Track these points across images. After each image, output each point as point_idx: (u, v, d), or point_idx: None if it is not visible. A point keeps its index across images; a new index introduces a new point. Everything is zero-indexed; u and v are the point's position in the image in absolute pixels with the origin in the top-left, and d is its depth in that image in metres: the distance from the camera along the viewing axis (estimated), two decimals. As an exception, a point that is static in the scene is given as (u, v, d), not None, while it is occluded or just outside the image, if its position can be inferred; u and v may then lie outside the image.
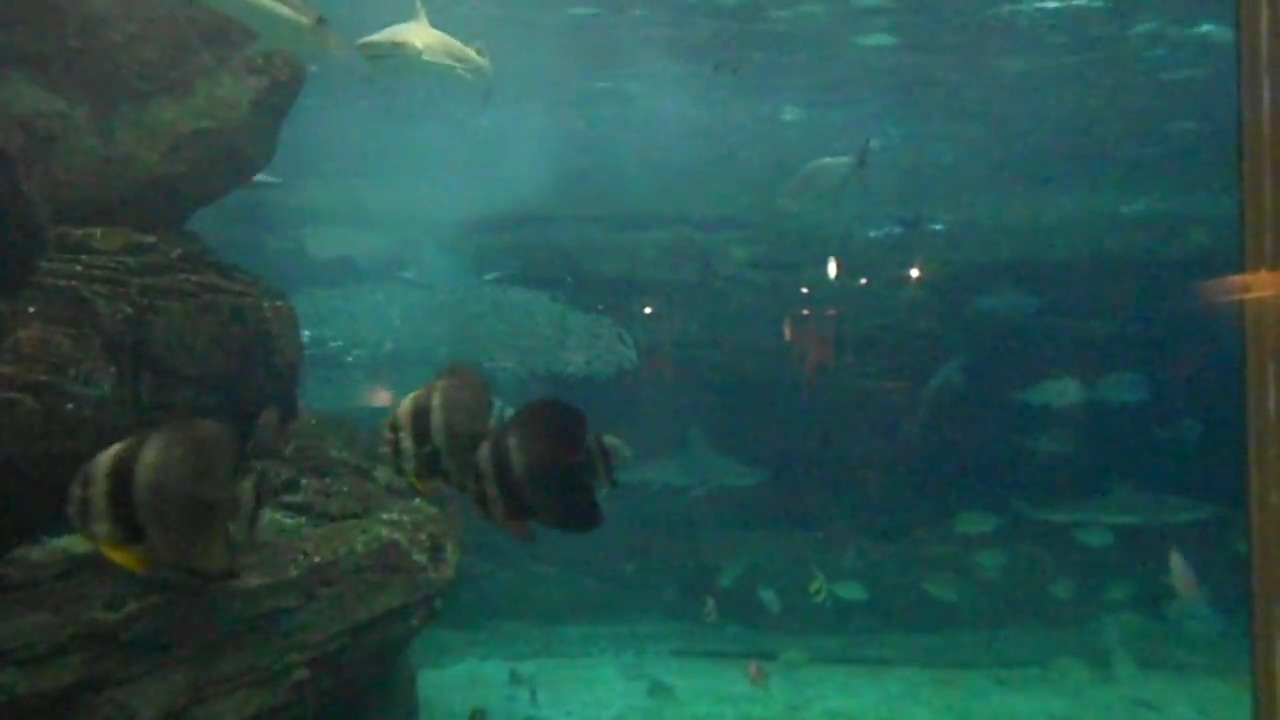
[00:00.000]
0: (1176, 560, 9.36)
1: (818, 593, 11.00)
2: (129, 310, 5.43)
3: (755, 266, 15.74)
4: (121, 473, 3.63)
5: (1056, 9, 10.82)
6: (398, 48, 6.50)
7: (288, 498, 6.55)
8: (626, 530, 13.57)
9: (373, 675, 6.84)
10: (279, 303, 6.85)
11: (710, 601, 11.55)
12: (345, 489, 6.99)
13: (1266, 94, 2.36)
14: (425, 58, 6.58)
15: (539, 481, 3.74)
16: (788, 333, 15.63)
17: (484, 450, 3.76)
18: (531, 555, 13.40)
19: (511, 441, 3.71)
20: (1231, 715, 10.14)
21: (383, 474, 7.72)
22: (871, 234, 15.76)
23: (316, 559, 6.02)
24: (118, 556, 3.78)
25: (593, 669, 11.55)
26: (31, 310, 5.04)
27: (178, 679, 5.19)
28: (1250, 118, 2.39)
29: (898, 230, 15.57)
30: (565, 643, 12.40)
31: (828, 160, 9.96)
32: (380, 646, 6.55)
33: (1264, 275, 2.41)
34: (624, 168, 14.56)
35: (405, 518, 7.04)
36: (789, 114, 14.07)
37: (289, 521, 6.29)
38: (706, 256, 15.84)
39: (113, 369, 5.19)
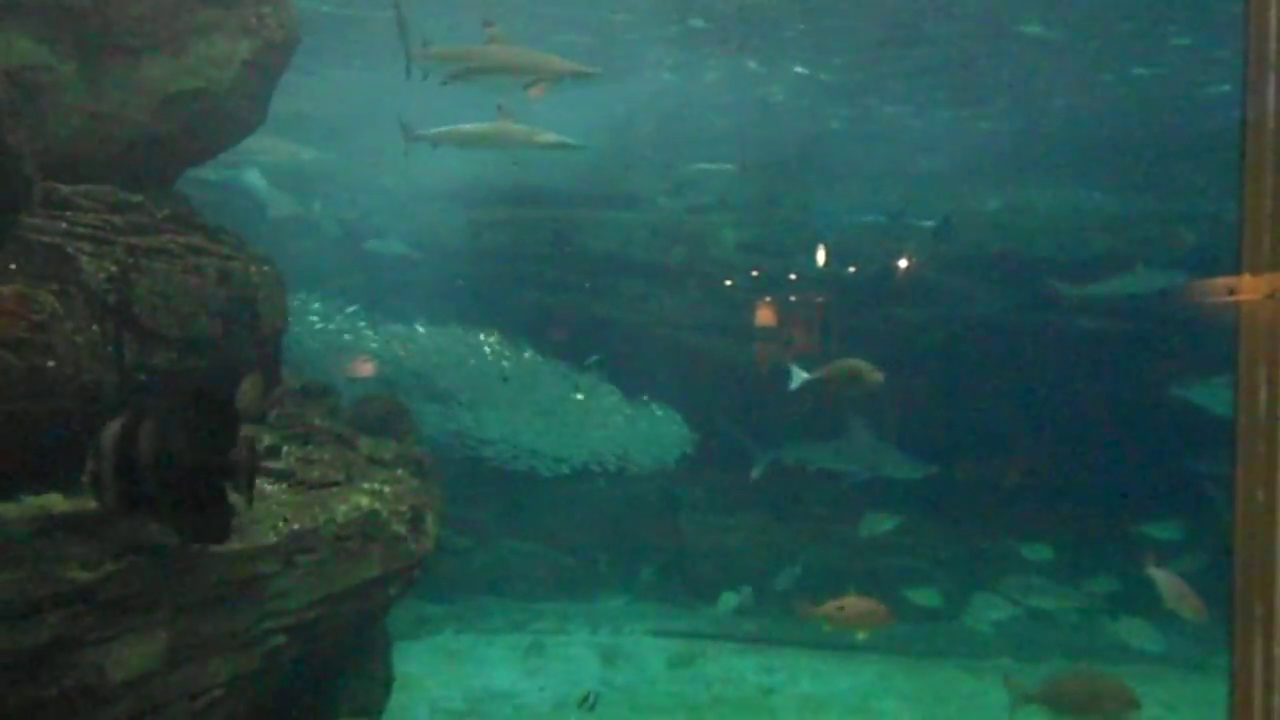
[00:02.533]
0: (1160, 576, 8.37)
1: (840, 609, 11.09)
2: (113, 269, 5.36)
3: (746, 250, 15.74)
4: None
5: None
6: None
7: (269, 464, 6.50)
8: (606, 511, 13.62)
9: (349, 645, 6.85)
10: (266, 267, 6.79)
11: (746, 590, 11.68)
12: (327, 457, 6.95)
13: (1271, 95, 2.36)
14: None
15: (167, 478, 3.18)
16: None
17: (111, 428, 3.18)
18: (511, 532, 13.42)
19: (146, 426, 3.15)
20: (1202, 713, 10.27)
21: (365, 444, 7.70)
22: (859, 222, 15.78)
23: (296, 526, 5.98)
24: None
25: (569, 646, 11.60)
26: (13, 267, 4.97)
27: (153, 642, 5.16)
28: (1254, 118, 2.40)
29: (882, 220, 15.60)
30: (541, 619, 12.44)
31: (707, 165, 11.31)
32: (358, 616, 6.55)
33: (1259, 278, 2.42)
34: (623, 146, 14.47)
35: (386, 488, 7.03)
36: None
37: (269, 488, 6.25)
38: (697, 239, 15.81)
39: (94, 327, 5.13)
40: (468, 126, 8.75)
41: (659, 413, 13.60)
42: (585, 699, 9.11)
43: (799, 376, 9.20)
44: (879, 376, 8.72)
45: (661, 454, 13.45)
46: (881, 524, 12.24)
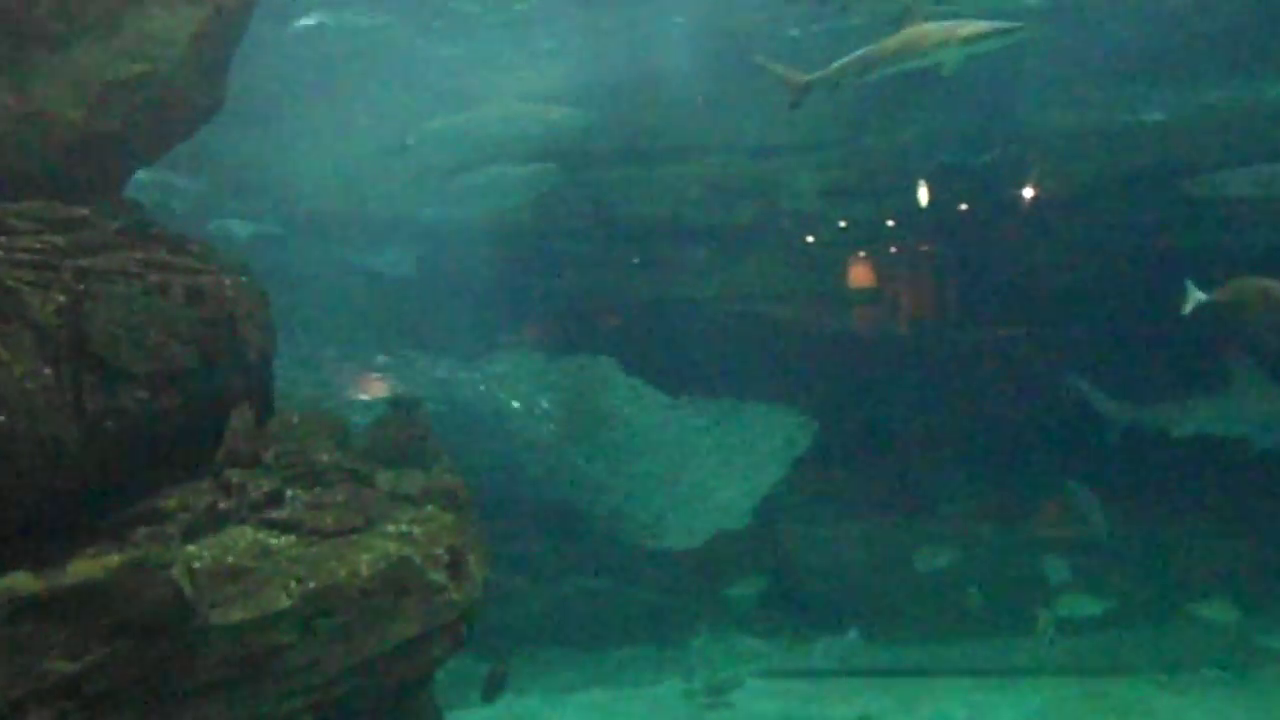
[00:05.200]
0: None
1: (1044, 633, 10.97)
2: (62, 299, 5.47)
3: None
4: None
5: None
6: None
7: (272, 514, 6.60)
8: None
9: (391, 718, 6.93)
10: (243, 279, 6.87)
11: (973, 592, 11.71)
12: (341, 499, 7.03)
13: None
14: None
15: None
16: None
17: None
18: (573, 567, 13.45)
19: None
20: None
21: (385, 478, 7.77)
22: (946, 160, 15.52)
23: (312, 584, 6.06)
24: None
25: (656, 699, 11.60)
26: (-53, 307, 5.12)
27: (156, 737, 5.28)
28: None
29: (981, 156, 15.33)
30: (620, 669, 12.43)
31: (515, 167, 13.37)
32: (397, 684, 6.62)
33: None
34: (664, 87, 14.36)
35: (417, 529, 7.08)
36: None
37: (275, 541, 6.34)
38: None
39: (47, 370, 5.26)
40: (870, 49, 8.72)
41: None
42: None
43: (1195, 297, 8.99)
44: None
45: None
46: (936, 558, 12.27)
